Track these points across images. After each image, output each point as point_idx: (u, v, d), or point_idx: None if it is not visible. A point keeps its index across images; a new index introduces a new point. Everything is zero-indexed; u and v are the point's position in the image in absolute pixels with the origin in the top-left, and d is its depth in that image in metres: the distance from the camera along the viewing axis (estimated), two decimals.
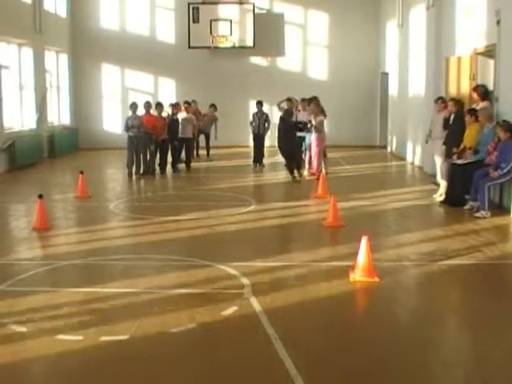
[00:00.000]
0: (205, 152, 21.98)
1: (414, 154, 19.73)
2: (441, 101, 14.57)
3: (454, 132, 13.41)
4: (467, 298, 7.51)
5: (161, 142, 17.94)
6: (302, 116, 18.29)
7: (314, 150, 16.90)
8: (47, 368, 5.62)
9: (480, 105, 12.87)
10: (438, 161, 14.35)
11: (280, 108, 17.83)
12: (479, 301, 7.29)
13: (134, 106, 17.56)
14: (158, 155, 18.00)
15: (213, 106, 22.19)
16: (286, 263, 8.63)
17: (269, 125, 19.77)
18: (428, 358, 5.60)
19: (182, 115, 18.94)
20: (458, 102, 13.77)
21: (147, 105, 17.89)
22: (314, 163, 16.97)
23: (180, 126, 18.61)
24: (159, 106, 18.33)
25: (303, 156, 18.10)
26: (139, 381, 5.31)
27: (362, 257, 7.77)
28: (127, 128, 17.20)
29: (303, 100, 19.01)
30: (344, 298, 7.31)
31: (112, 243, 10.00)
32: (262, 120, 19.67)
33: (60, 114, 24.84)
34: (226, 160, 21.52)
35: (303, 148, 18.22)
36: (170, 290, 7.48)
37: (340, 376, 5.33)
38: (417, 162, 19.15)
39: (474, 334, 6.33)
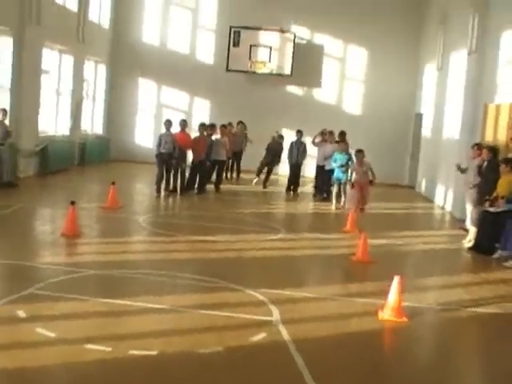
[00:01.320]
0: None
1: (444, 197, 19.61)
2: (477, 147, 14.49)
3: (487, 179, 13.34)
4: (493, 347, 7.41)
5: (198, 162, 17.96)
6: (329, 149, 18.23)
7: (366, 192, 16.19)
8: (73, 376, 5.60)
9: None
10: (470, 207, 14.26)
11: (315, 144, 18.19)
12: (504, 349, 7.21)
13: (167, 123, 17.41)
14: (190, 174, 18.01)
15: (241, 123, 22.42)
16: (314, 295, 8.58)
17: (305, 154, 19.82)
18: None
19: (216, 137, 18.99)
20: (492, 149, 13.70)
21: (183, 123, 17.88)
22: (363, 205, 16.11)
23: (214, 148, 18.65)
24: (206, 126, 18.38)
25: (332, 189, 17.99)
26: None
27: (393, 296, 7.72)
28: (159, 144, 17.09)
29: (330, 133, 19.09)
30: (372, 336, 7.25)
31: (140, 257, 10.03)
32: (300, 149, 19.69)
33: (93, 123, 25.08)
34: (257, 185, 21.52)
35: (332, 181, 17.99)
36: (198, 310, 7.46)
37: None
38: (446, 206, 19.04)
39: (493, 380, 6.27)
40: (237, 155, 22.36)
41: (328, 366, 6.21)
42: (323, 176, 18.97)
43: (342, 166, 17.10)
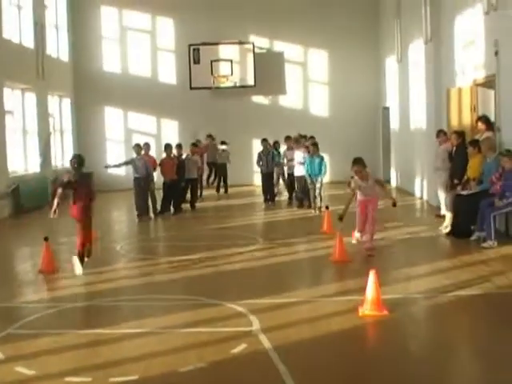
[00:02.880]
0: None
1: (419, 188, 19.70)
2: (442, 134, 14.63)
3: (456, 164, 13.45)
4: (478, 329, 7.42)
5: (169, 183, 17.94)
6: (297, 155, 18.24)
7: (370, 214, 11.77)
8: None
9: (483, 135, 12.90)
10: (441, 193, 14.36)
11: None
12: (490, 331, 7.21)
13: (136, 148, 17.52)
14: (163, 196, 18.01)
15: (209, 136, 22.91)
16: (293, 299, 8.58)
17: (275, 161, 19.86)
18: None
19: (186, 156, 19.02)
20: (460, 134, 13.82)
21: (145, 146, 17.87)
22: (368, 235, 11.79)
23: (186, 167, 18.68)
24: (168, 147, 18.40)
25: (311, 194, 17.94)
26: None
27: (371, 291, 7.72)
28: (134, 170, 17.14)
29: (296, 140, 19.18)
30: (353, 333, 7.24)
31: (119, 284, 9.97)
32: (269, 158, 19.72)
33: (64, 158, 24.95)
34: (232, 199, 21.53)
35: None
36: (179, 329, 7.43)
37: None
38: (422, 195, 19.12)
39: (486, 364, 6.27)
40: (220, 169, 22.56)
41: (310, 369, 6.17)
42: (293, 184, 19.02)
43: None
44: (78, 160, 10.95)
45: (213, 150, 23.03)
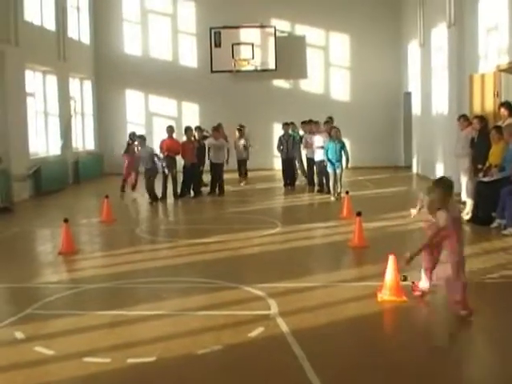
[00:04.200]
0: None
1: (440, 174, 19.52)
2: (463, 119, 14.45)
3: (479, 150, 13.30)
4: (497, 317, 7.35)
5: (190, 166, 17.94)
6: (317, 139, 18.09)
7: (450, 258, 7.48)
8: None
9: (506, 121, 12.74)
10: (463, 179, 14.22)
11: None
12: (510, 320, 7.15)
13: (140, 140, 17.83)
14: (183, 179, 18.04)
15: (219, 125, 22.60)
16: (312, 284, 8.57)
17: (297, 146, 19.76)
18: (461, 377, 5.50)
19: (211, 141, 18.92)
20: (482, 119, 13.65)
21: (169, 129, 17.92)
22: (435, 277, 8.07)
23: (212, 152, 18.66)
24: (188, 130, 18.42)
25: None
26: None
27: (390, 276, 7.68)
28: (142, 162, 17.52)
29: (316, 123, 18.94)
30: (372, 318, 7.20)
31: (138, 266, 9.99)
32: (289, 142, 19.64)
33: (85, 140, 25.11)
34: (252, 183, 21.49)
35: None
36: (196, 311, 7.44)
37: None
38: None
39: (502, 354, 6.21)
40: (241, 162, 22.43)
41: (327, 353, 6.15)
42: (313, 168, 18.89)
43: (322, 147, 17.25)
44: None
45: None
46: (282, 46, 25.48)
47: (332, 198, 16.81)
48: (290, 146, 19.63)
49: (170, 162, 17.54)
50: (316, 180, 18.78)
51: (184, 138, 18.42)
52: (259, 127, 24.80)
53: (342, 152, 16.86)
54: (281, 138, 19.90)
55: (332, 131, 17.19)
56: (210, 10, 25.79)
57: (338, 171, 16.87)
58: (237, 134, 21.25)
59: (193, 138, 18.58)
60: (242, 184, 21.08)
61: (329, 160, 16.88)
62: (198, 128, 19.51)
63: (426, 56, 21.39)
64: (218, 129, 19.48)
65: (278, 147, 19.87)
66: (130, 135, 19.42)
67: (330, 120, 19.33)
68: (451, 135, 16.33)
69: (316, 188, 18.55)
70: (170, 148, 17.53)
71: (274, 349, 6.25)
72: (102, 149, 26.07)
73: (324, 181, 17.97)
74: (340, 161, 16.86)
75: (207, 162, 18.92)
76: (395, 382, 5.52)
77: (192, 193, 18.07)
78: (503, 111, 12.95)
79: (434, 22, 19.85)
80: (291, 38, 26.17)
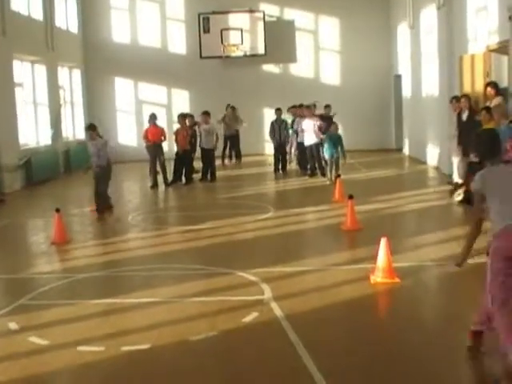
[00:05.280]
0: None
1: (431, 156, 19.57)
2: (455, 100, 14.44)
3: (469, 130, 13.28)
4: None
5: (181, 153, 17.93)
6: (307, 123, 17.99)
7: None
8: (69, 380, 5.64)
9: (494, 101, 12.73)
10: (455, 160, 14.23)
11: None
12: None
13: (91, 130, 14.33)
14: (174, 166, 18.01)
15: (230, 107, 22.94)
16: (305, 268, 8.57)
17: (288, 131, 19.70)
18: (454, 359, 5.52)
19: (203, 126, 18.83)
20: (469, 97, 13.67)
21: (151, 116, 17.83)
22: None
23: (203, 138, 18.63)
24: (181, 116, 18.38)
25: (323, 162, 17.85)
26: None
27: (382, 258, 7.70)
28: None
29: (307, 107, 18.83)
30: (365, 301, 7.23)
31: (131, 254, 9.99)
32: (281, 127, 19.60)
33: (75, 129, 24.96)
34: (244, 168, 21.49)
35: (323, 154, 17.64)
36: (190, 298, 7.45)
37: (364, 380, 5.26)
38: (434, 163, 19.00)
39: (496, 334, 6.22)
40: (232, 139, 22.72)
41: (322, 337, 6.18)
42: (304, 152, 18.76)
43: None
44: None
45: (232, 121, 22.93)
46: (271, 31, 25.34)
47: (328, 182, 16.72)
48: (282, 131, 19.58)
49: (157, 150, 17.46)
50: (308, 165, 18.70)
51: (176, 126, 18.38)
52: (250, 112, 24.70)
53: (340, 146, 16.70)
54: (273, 123, 19.84)
55: (332, 127, 17.09)
56: None
57: (335, 156, 16.68)
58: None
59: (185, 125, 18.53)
60: (226, 162, 22.09)
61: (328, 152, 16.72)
62: (190, 115, 19.44)
63: (415, 38, 21.34)
64: (207, 113, 19.36)
65: (271, 133, 19.78)
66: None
67: (329, 106, 20.23)
68: (442, 117, 16.35)
69: (308, 172, 18.50)
70: (155, 136, 17.44)
71: (269, 334, 6.27)
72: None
73: (316, 165, 17.94)
74: (337, 148, 16.69)
75: (198, 149, 18.86)
76: (391, 360, 5.54)
77: (184, 179, 18.03)
78: (489, 90, 12.92)
79: (424, 4, 19.78)
80: (280, 23, 26.04)
